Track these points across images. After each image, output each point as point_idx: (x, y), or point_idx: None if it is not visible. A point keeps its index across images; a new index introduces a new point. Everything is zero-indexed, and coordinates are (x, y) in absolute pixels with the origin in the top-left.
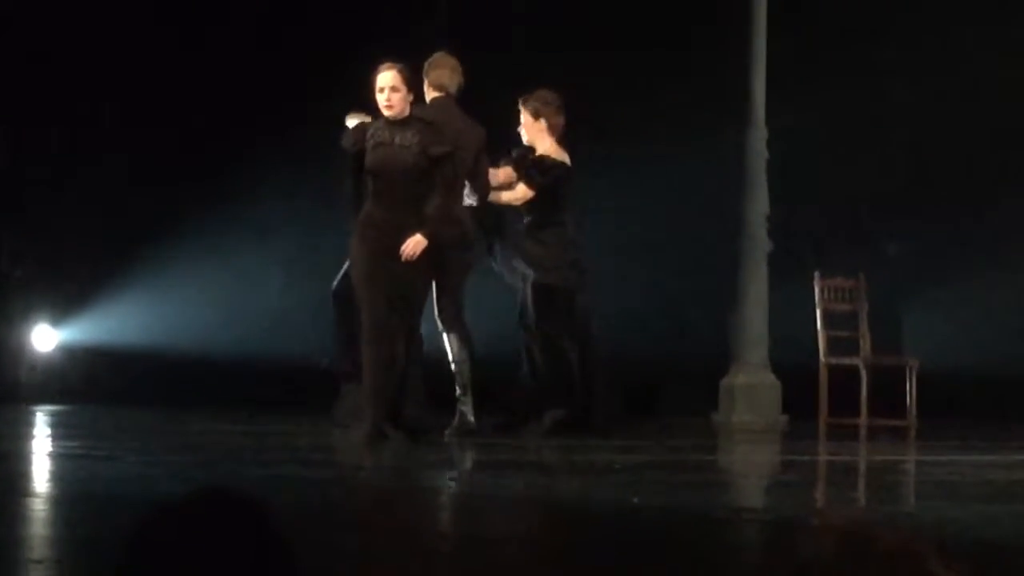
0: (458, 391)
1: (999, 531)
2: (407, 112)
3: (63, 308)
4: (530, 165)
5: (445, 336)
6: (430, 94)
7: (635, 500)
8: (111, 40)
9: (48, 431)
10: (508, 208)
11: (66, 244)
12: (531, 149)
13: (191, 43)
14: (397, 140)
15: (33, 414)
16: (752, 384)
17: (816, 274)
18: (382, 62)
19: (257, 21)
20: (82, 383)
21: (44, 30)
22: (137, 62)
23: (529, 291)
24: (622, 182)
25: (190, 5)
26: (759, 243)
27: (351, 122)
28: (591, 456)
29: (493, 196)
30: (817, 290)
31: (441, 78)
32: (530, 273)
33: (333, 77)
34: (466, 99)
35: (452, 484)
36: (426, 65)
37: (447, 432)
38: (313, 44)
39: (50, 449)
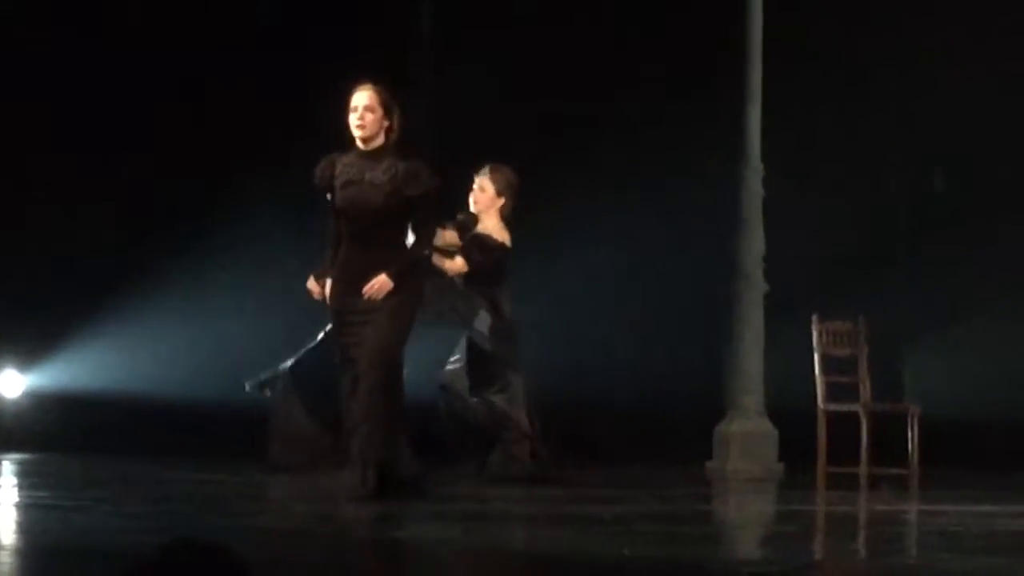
0: None
1: None
2: (381, 140)
3: (30, 352)
4: (471, 241)
5: None
6: None
7: (625, 552)
8: (83, 79)
9: (15, 480)
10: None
11: (33, 286)
12: (475, 219)
13: (166, 86)
14: (367, 177)
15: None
16: (748, 431)
17: (814, 317)
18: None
19: (236, 68)
20: (51, 430)
21: (21, 66)
22: (111, 103)
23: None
24: (613, 221)
25: (170, 52)
26: (755, 284)
27: None
28: (578, 507)
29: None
30: (815, 334)
31: None
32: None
33: (314, 122)
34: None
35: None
36: None
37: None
38: (294, 92)
39: (17, 499)
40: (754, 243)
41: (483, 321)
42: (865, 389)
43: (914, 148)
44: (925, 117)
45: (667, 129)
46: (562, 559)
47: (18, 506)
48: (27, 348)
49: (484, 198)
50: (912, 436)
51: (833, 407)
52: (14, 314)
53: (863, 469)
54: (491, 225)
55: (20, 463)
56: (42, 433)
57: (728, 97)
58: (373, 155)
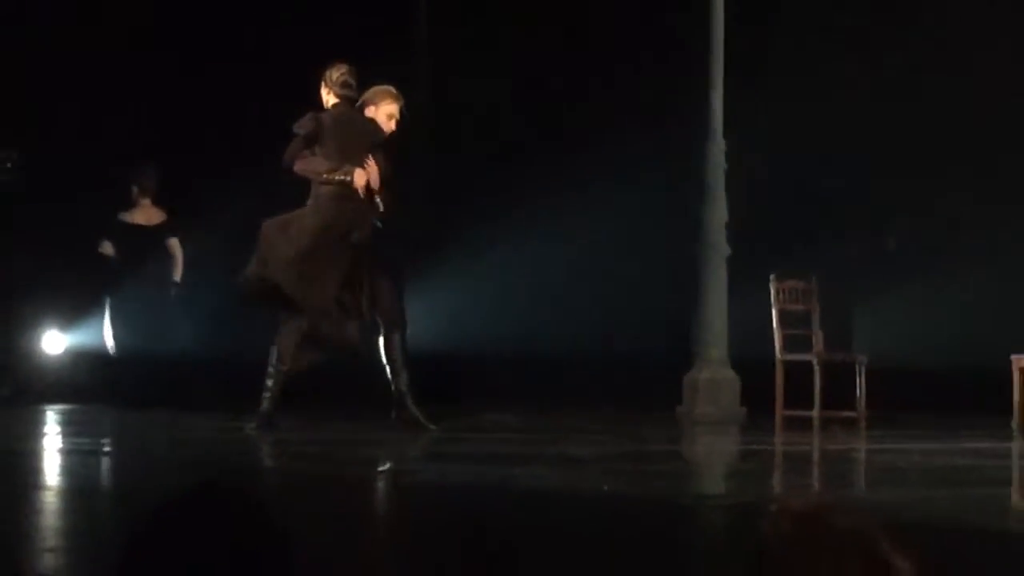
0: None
1: (942, 513)
2: None
3: (70, 315)
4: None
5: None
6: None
7: (605, 488)
8: (117, 51)
9: (58, 429)
10: None
11: (72, 257)
12: None
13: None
14: None
15: (44, 413)
16: (713, 379)
17: (772, 277)
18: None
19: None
20: (88, 384)
21: (58, 50)
22: (141, 75)
23: None
24: (593, 193)
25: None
26: (718, 249)
27: None
28: (563, 448)
29: None
30: (773, 292)
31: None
32: None
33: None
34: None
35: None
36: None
37: None
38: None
39: (60, 446)
40: (717, 211)
41: None
42: (818, 341)
43: (863, 124)
44: (879, 85)
45: (641, 110)
46: (548, 495)
47: (60, 451)
48: (67, 311)
49: None
50: (860, 383)
51: (789, 357)
52: (56, 281)
53: (816, 413)
54: None
55: (62, 413)
56: (80, 386)
57: (695, 80)
58: None
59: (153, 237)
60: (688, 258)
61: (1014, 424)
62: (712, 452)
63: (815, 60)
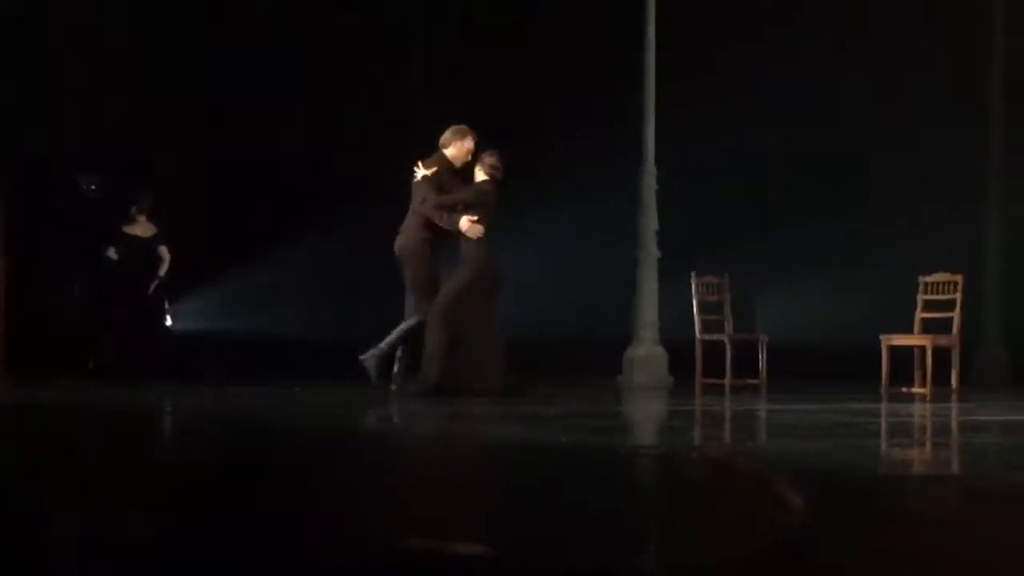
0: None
1: (827, 460)
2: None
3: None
4: None
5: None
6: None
7: (563, 440)
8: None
9: (153, 396)
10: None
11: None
12: None
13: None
14: None
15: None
16: (647, 355)
17: (692, 274)
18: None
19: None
20: (176, 362)
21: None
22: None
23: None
24: (555, 208)
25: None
26: (651, 252)
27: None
28: (530, 408)
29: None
30: (693, 285)
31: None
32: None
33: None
34: None
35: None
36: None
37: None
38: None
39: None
40: (650, 222)
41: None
42: (729, 324)
43: (767, 148)
44: (770, 127)
45: (590, 143)
46: (519, 444)
47: (155, 410)
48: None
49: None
50: (762, 357)
51: (707, 337)
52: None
53: (728, 380)
54: None
55: (141, 381)
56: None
57: (631, 118)
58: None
59: (148, 245)
60: (627, 260)
61: (882, 389)
62: (646, 412)
63: (730, 102)
